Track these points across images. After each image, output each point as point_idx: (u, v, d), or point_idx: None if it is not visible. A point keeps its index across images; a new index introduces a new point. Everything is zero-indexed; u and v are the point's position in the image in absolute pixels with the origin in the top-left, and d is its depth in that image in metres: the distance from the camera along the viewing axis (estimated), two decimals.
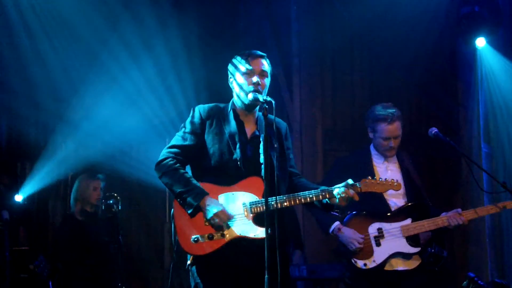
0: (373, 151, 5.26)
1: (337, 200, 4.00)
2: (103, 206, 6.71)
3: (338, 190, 4.00)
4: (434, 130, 5.03)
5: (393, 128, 5.11)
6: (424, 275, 5.04)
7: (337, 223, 5.06)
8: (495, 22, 7.64)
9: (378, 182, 4.17)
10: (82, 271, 6.49)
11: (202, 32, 8.12)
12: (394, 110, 5.15)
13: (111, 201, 6.43)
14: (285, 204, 3.97)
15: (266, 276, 3.56)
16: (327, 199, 4.04)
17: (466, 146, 8.22)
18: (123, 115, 7.76)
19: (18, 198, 7.33)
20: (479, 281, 5.52)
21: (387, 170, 5.17)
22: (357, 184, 4.07)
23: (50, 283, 6.19)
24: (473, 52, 8.14)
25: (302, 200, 4.01)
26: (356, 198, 4.02)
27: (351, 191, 4.00)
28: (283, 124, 4.32)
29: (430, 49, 8.45)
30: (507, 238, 8.20)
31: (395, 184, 4.23)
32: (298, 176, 4.33)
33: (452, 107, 8.58)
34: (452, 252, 7.87)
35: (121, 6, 7.60)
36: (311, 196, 4.01)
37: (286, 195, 4.00)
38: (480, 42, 7.78)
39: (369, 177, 4.15)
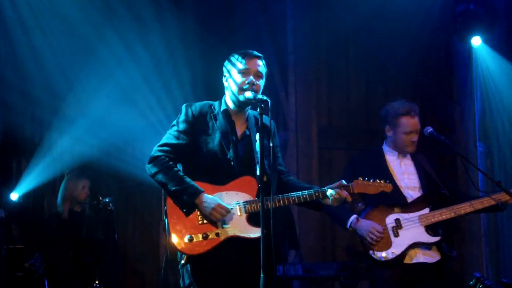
0: (385, 148, 5.23)
1: (330, 200, 4.03)
2: (88, 205, 6.73)
3: (331, 191, 4.02)
4: (429, 129, 5.02)
5: (415, 122, 5.09)
6: (443, 274, 4.96)
7: (354, 216, 4.97)
8: (491, 20, 7.65)
9: (370, 183, 4.20)
10: (75, 269, 6.48)
11: (199, 28, 8.11)
12: (413, 104, 5.17)
13: (107, 200, 6.43)
14: (280, 203, 3.98)
15: (262, 275, 3.57)
16: (320, 199, 4.06)
17: (461, 144, 8.23)
18: (120, 111, 7.74)
19: (14, 196, 7.32)
20: (485, 281, 5.53)
21: (401, 165, 5.14)
22: (349, 185, 4.09)
23: (46, 281, 6.18)
24: (469, 50, 8.16)
25: (296, 200, 4.03)
26: (349, 199, 4.05)
27: (344, 192, 4.03)
28: (271, 122, 4.32)
29: (425, 46, 8.47)
30: (502, 236, 8.24)
31: (387, 185, 4.25)
32: (286, 174, 4.35)
33: (448, 105, 8.60)
34: None
35: (117, 1, 7.58)
36: (304, 196, 4.03)
37: (280, 195, 4.01)
38: (476, 41, 7.78)
39: (360, 178, 4.17)
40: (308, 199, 4.03)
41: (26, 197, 7.53)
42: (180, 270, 4.04)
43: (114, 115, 7.70)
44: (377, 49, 8.42)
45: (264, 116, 3.95)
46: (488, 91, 8.20)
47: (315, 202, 4.10)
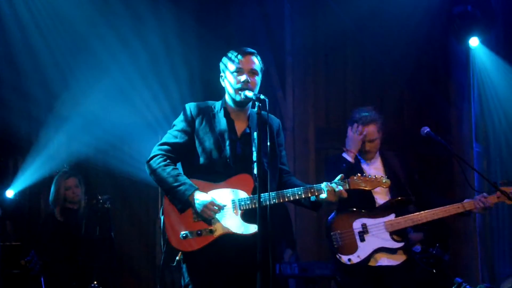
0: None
1: (326, 195, 4.01)
2: (83, 203, 6.69)
3: (325, 185, 4.03)
4: (426, 129, 5.04)
5: (366, 132, 5.20)
6: (409, 272, 5.09)
7: None
8: (488, 21, 7.65)
9: (367, 179, 4.21)
10: (71, 268, 6.46)
11: (197, 26, 8.10)
12: (367, 114, 5.24)
13: (104, 197, 6.42)
14: (274, 201, 3.99)
15: (258, 274, 3.58)
16: (315, 196, 4.06)
17: (458, 145, 8.24)
18: (116, 109, 7.72)
19: (9, 193, 7.29)
20: (467, 286, 5.57)
21: (370, 168, 5.22)
22: (346, 181, 4.11)
23: (42, 279, 6.17)
24: (466, 51, 8.17)
25: (291, 198, 4.03)
26: (344, 195, 4.06)
27: (340, 188, 4.03)
28: (275, 121, 4.33)
29: (422, 47, 8.47)
30: (497, 237, 8.25)
31: (384, 181, 4.27)
32: (289, 174, 4.36)
33: (444, 106, 8.60)
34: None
35: None
36: (299, 193, 4.04)
37: (275, 192, 4.01)
38: (474, 42, 7.79)
39: (358, 174, 4.20)
40: (303, 196, 4.04)
41: (22, 195, 7.51)
42: (182, 267, 4.07)
43: (111, 113, 7.68)
44: (374, 50, 8.42)
45: (269, 115, 3.99)
46: (485, 92, 8.21)
47: (313, 201, 4.11)
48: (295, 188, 4.05)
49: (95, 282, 6.20)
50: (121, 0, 7.57)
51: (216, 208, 3.94)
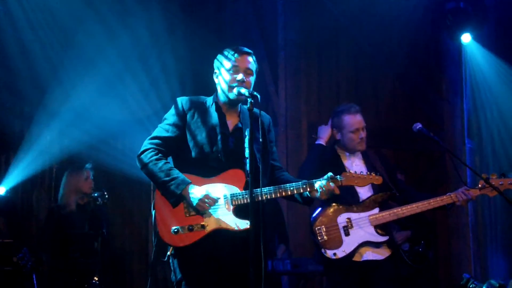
0: (337, 149, 5.34)
1: (319, 193, 4.02)
2: (92, 198, 6.66)
3: (319, 183, 4.02)
4: (418, 125, 5.05)
5: (358, 120, 5.24)
6: (395, 268, 5.12)
7: None
8: (480, 17, 7.69)
9: (359, 175, 4.23)
10: (67, 264, 6.44)
11: (189, 23, 8.08)
12: (352, 105, 5.32)
13: (96, 194, 6.40)
14: (267, 196, 3.98)
15: (250, 269, 3.57)
16: (307, 192, 4.06)
17: (450, 141, 8.26)
18: (108, 106, 7.70)
19: (1, 190, 7.26)
20: (475, 282, 5.61)
21: (352, 165, 5.24)
22: (338, 178, 4.10)
23: (34, 276, 6.15)
24: (459, 47, 8.20)
25: (283, 193, 4.02)
26: (337, 191, 4.06)
27: (332, 185, 4.03)
28: (266, 117, 4.32)
29: (415, 43, 8.49)
30: (490, 232, 8.28)
31: (376, 177, 4.30)
32: (281, 170, 4.34)
33: (437, 102, 8.63)
34: (435, 246, 7.92)
35: None
36: (292, 189, 4.03)
37: (267, 188, 4.00)
38: (466, 38, 7.82)
39: (350, 171, 4.22)
40: (295, 192, 4.03)
41: (14, 191, 7.48)
42: (170, 264, 4.05)
43: (102, 108, 7.66)
44: (367, 45, 8.44)
45: (261, 111, 3.97)
46: (478, 88, 8.24)
47: (305, 196, 4.10)
48: (288, 184, 4.04)
49: (96, 279, 6.19)
50: None
51: (211, 201, 3.92)
